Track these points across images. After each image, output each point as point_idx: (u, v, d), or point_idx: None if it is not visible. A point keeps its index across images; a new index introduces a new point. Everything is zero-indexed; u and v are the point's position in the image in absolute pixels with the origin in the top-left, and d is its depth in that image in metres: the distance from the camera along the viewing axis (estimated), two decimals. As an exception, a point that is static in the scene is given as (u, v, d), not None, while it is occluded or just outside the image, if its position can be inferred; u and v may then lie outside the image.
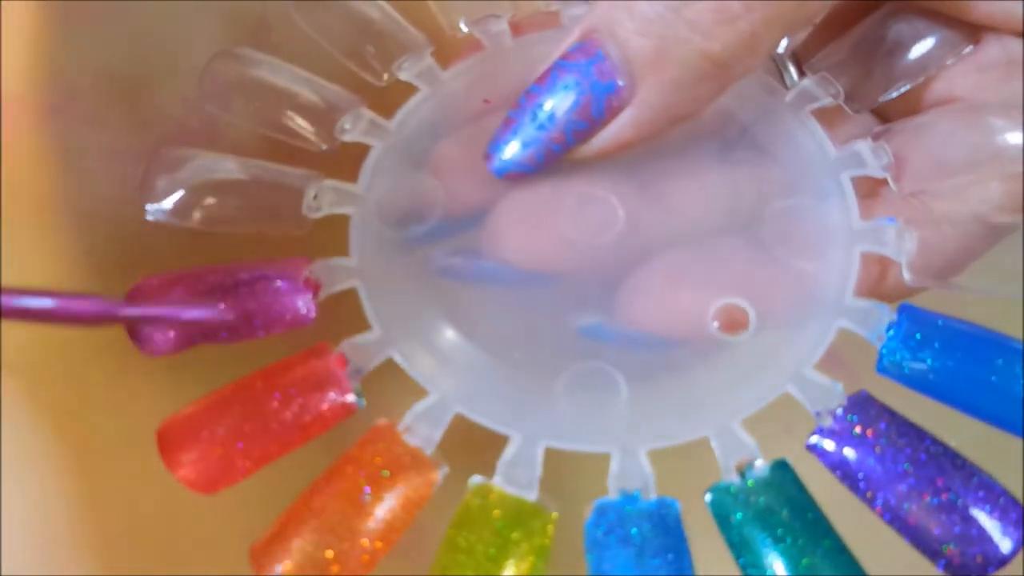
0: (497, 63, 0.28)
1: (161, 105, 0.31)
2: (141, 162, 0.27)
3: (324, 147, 0.27)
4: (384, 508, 0.23)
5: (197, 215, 0.26)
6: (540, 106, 0.25)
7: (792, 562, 0.22)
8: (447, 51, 0.29)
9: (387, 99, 0.28)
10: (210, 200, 0.26)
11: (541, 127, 0.25)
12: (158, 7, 0.30)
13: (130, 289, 0.25)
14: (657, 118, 0.25)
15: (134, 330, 0.24)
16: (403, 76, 0.28)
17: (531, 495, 0.23)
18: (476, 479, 0.23)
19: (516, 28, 0.29)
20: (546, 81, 0.25)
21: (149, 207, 0.26)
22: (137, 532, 0.30)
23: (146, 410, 0.30)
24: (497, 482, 0.23)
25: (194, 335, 0.25)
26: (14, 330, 0.28)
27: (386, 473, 0.23)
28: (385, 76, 0.28)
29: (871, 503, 0.22)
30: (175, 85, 0.31)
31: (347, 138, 0.27)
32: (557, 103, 0.25)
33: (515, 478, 0.23)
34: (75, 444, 0.29)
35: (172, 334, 0.25)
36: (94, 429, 0.30)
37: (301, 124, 0.27)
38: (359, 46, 0.28)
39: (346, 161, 0.27)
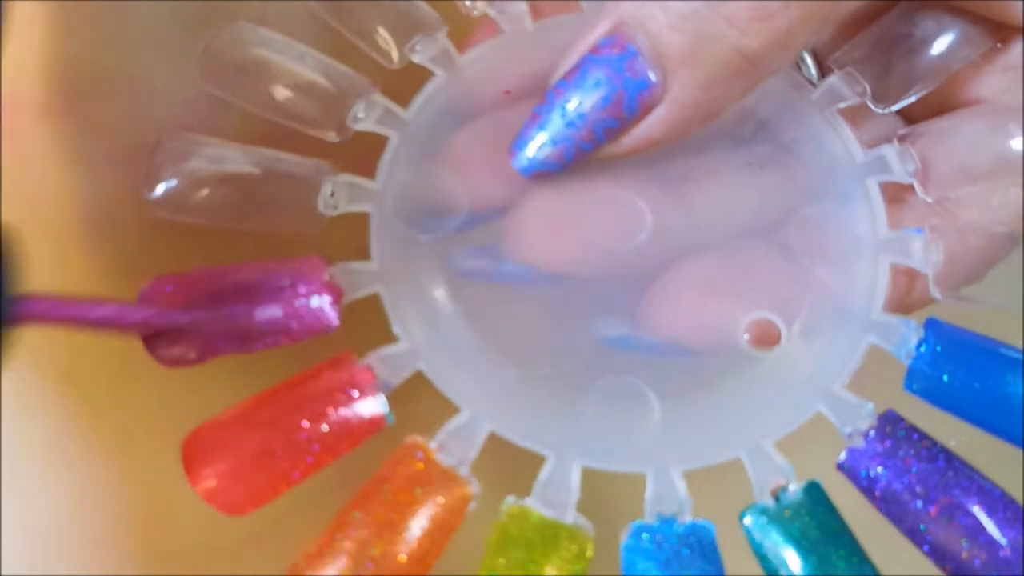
0: (517, 48, 0.27)
1: (162, 104, 0.29)
2: (141, 161, 0.25)
3: (336, 137, 0.26)
4: (420, 531, 0.22)
5: (204, 210, 0.25)
6: (569, 102, 0.24)
7: (828, 586, 0.22)
8: (461, 31, 0.27)
9: (399, 81, 0.27)
10: (218, 194, 0.25)
11: (571, 124, 0.24)
12: (159, 7, 0.29)
13: (141, 292, 0.24)
14: (689, 116, 0.24)
15: (151, 343, 0.23)
16: (417, 59, 0.26)
17: (567, 516, 0.23)
18: (511, 500, 0.23)
19: (534, 9, 0.27)
20: (575, 76, 0.24)
21: (153, 200, 0.24)
22: (137, 532, 0.29)
23: (149, 409, 0.29)
24: (532, 503, 0.23)
25: (214, 347, 0.24)
26: None
27: (419, 491, 0.22)
28: (396, 57, 0.27)
29: (899, 523, 0.23)
30: (175, 85, 0.29)
31: (360, 127, 0.26)
32: (587, 100, 0.24)
33: (550, 499, 0.23)
34: (75, 444, 0.29)
35: (191, 346, 0.24)
36: (95, 428, 0.29)
37: (310, 109, 0.26)
38: (370, 24, 0.27)
39: (350, 147, 0.26)
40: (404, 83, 0.27)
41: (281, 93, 0.26)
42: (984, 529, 0.22)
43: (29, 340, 0.28)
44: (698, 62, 0.23)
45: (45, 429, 0.28)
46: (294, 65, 0.26)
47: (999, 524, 0.22)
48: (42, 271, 0.28)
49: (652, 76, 0.23)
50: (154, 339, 0.23)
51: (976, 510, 0.22)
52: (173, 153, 0.25)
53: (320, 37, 0.27)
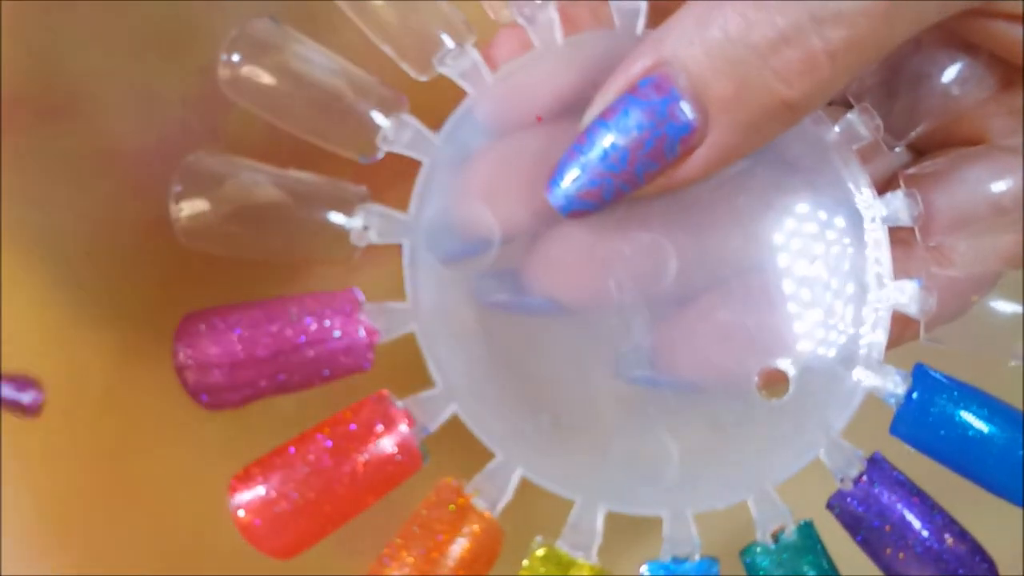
0: (547, 66, 0.26)
1: (162, 104, 0.28)
2: (141, 162, 0.24)
3: (362, 158, 0.25)
4: (460, 573, 0.24)
5: (236, 245, 0.24)
6: (610, 144, 0.24)
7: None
8: (487, 34, 0.27)
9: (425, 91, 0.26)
10: (251, 228, 0.24)
11: (611, 167, 0.24)
12: (160, 6, 0.26)
13: (178, 328, 0.24)
14: (725, 157, 0.24)
15: (194, 387, 0.24)
16: (446, 72, 0.26)
17: (591, 557, 0.25)
18: (539, 540, 0.25)
19: (565, 18, 0.27)
20: (616, 116, 0.24)
21: (183, 233, 0.24)
22: (135, 532, 0.30)
23: (147, 411, 0.29)
24: (560, 544, 0.25)
25: (255, 390, 0.24)
26: (14, 328, 0.26)
27: (462, 540, 0.24)
28: (420, 72, 0.26)
29: (877, 561, 0.26)
30: (176, 84, 0.27)
31: (390, 149, 0.25)
32: (629, 142, 0.24)
33: (577, 541, 0.25)
34: (75, 445, 0.28)
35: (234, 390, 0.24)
36: (95, 429, 0.29)
37: (336, 128, 0.25)
38: (399, 29, 0.26)
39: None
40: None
41: (306, 110, 0.25)
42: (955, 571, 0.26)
43: (28, 342, 0.28)
44: (741, 108, 0.24)
45: (45, 430, 0.27)
46: (322, 77, 0.25)
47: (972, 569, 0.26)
48: (41, 272, 0.27)
49: (694, 120, 0.24)
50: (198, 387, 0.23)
51: (947, 557, 0.25)
52: (199, 180, 0.24)
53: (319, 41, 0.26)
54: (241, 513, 0.23)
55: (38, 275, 0.27)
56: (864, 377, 0.26)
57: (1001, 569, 0.26)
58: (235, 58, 0.24)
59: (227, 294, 0.25)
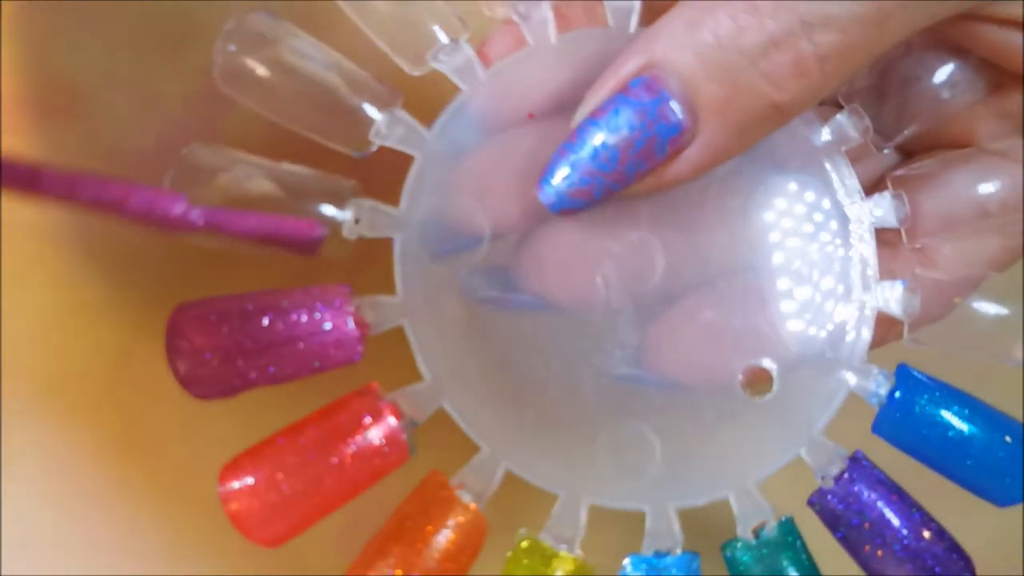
0: (540, 63, 0.26)
1: (162, 105, 0.28)
2: (141, 161, 0.24)
3: (355, 153, 0.26)
4: (442, 563, 0.24)
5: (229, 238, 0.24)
6: (600, 143, 0.24)
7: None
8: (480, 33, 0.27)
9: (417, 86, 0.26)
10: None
11: (602, 166, 0.24)
12: (160, 6, 0.27)
13: (170, 319, 0.24)
14: (716, 158, 0.25)
15: (185, 376, 0.24)
16: (440, 67, 0.26)
17: (575, 550, 0.25)
18: (523, 532, 0.25)
19: (560, 16, 0.27)
20: (606, 116, 0.24)
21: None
22: (135, 531, 0.30)
23: (148, 410, 0.29)
24: (543, 537, 0.25)
25: (245, 381, 0.24)
26: (14, 328, 0.27)
27: (447, 532, 0.24)
28: (414, 67, 0.26)
29: (856, 558, 0.26)
30: (176, 84, 0.27)
31: (382, 144, 0.26)
32: (619, 141, 0.24)
33: (560, 534, 0.25)
34: (75, 444, 0.29)
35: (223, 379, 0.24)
36: (95, 429, 0.29)
37: (330, 123, 0.25)
38: (394, 23, 0.26)
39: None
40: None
41: (301, 103, 0.25)
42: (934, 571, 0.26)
43: (28, 342, 0.28)
44: (731, 111, 0.24)
45: (46, 429, 0.28)
46: (317, 71, 0.25)
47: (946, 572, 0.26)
48: (41, 271, 0.27)
49: (684, 121, 0.24)
50: (189, 377, 0.24)
51: (925, 555, 0.26)
52: (193, 173, 0.24)
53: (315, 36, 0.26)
54: (230, 502, 0.24)
55: (38, 275, 0.27)
56: (847, 376, 0.26)
57: (983, 568, 0.27)
58: (231, 49, 0.25)
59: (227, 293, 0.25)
